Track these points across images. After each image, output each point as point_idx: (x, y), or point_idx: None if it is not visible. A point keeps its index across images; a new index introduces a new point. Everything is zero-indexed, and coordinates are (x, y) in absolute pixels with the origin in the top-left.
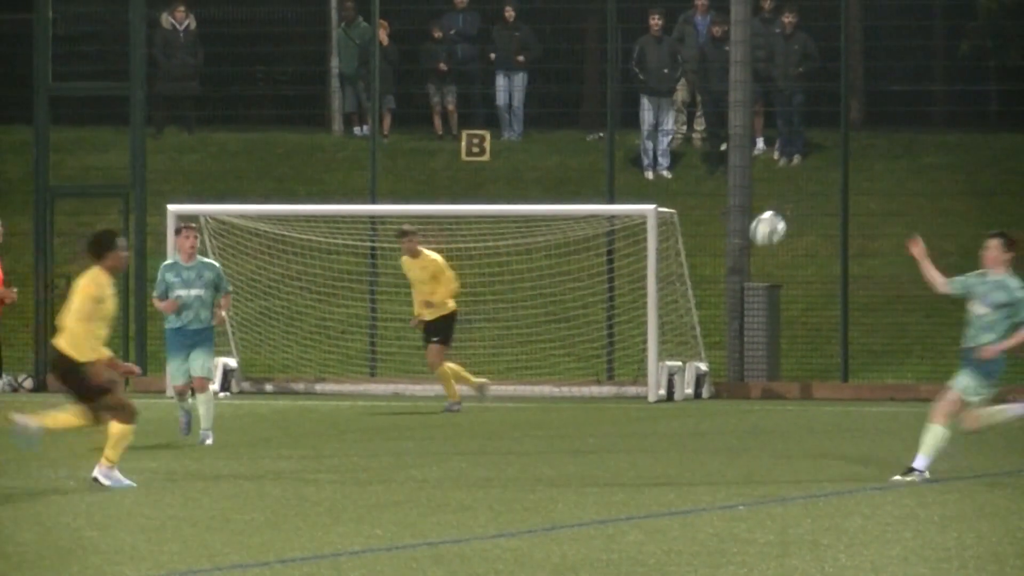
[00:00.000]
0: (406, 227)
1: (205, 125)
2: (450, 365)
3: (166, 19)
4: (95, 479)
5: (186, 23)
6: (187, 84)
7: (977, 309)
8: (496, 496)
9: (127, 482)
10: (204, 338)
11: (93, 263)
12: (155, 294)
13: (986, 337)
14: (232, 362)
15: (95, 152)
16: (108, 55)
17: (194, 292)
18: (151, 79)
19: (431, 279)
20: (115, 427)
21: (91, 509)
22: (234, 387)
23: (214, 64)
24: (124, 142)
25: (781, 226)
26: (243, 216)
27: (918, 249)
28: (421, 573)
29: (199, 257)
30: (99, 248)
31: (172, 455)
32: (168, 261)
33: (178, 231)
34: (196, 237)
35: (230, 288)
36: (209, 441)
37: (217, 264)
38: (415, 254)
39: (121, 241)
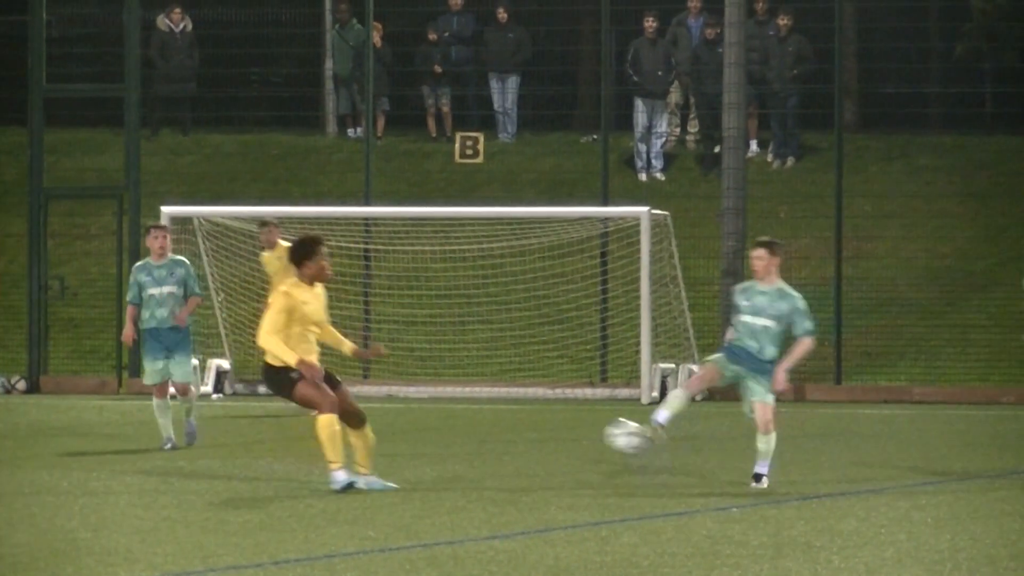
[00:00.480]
0: (266, 219)
1: (200, 127)
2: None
3: (162, 21)
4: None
5: (182, 25)
6: (183, 86)
7: (761, 321)
8: (490, 498)
9: (386, 483)
10: (182, 341)
11: (295, 270)
12: (128, 297)
13: (770, 350)
14: (225, 364)
15: (90, 154)
16: (103, 57)
17: (166, 289)
18: (147, 80)
19: (284, 269)
20: (365, 435)
21: (85, 511)
22: (227, 389)
23: (209, 66)
24: (119, 144)
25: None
26: (237, 218)
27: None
28: (415, 574)
29: (170, 255)
30: (297, 256)
31: (165, 457)
32: (139, 263)
33: (147, 231)
34: (166, 237)
35: (199, 291)
36: (194, 423)
37: (187, 261)
38: (273, 246)
39: (324, 249)
